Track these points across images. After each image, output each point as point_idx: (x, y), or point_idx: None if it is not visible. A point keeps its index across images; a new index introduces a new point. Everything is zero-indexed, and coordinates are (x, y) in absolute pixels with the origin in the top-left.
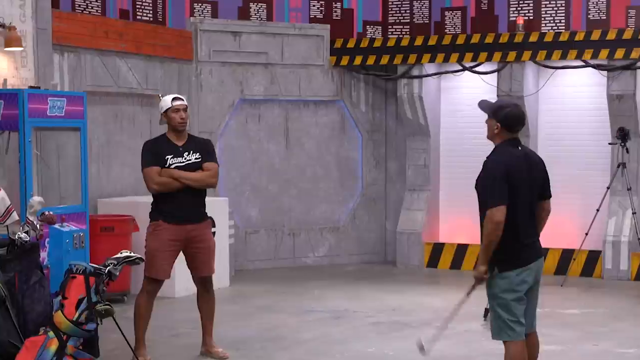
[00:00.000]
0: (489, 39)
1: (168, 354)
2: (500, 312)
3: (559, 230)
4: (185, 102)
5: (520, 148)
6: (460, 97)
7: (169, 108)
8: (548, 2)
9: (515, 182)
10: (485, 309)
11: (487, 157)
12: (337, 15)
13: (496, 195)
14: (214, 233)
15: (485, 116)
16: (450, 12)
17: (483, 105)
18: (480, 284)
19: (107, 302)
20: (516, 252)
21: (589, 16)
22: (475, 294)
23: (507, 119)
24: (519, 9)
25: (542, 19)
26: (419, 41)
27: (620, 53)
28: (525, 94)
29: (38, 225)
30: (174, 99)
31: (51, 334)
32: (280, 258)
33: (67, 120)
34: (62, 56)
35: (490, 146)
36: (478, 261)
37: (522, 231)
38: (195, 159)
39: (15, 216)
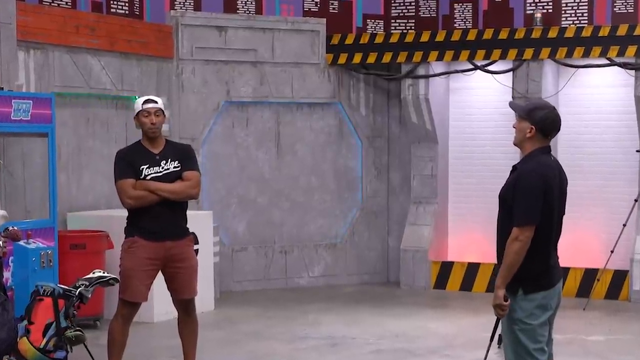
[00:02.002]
0: (503, 35)
1: None
2: (522, 340)
3: (581, 248)
4: (158, 105)
5: (552, 158)
6: (471, 99)
7: (140, 111)
8: None
9: (552, 197)
10: (499, 335)
11: (519, 165)
12: (334, 8)
13: (530, 212)
14: (196, 251)
15: (507, 119)
16: (460, 4)
17: (515, 105)
18: (502, 314)
19: (77, 328)
20: (545, 272)
21: (614, 9)
22: (489, 317)
23: (544, 122)
24: (536, 1)
25: (563, 12)
26: (425, 37)
27: None
28: (544, 95)
29: (1, 242)
30: (146, 101)
31: None
32: (271, 278)
33: (34, 124)
34: (27, 53)
35: (505, 154)
36: (497, 284)
37: (553, 250)
38: (174, 167)
39: None
